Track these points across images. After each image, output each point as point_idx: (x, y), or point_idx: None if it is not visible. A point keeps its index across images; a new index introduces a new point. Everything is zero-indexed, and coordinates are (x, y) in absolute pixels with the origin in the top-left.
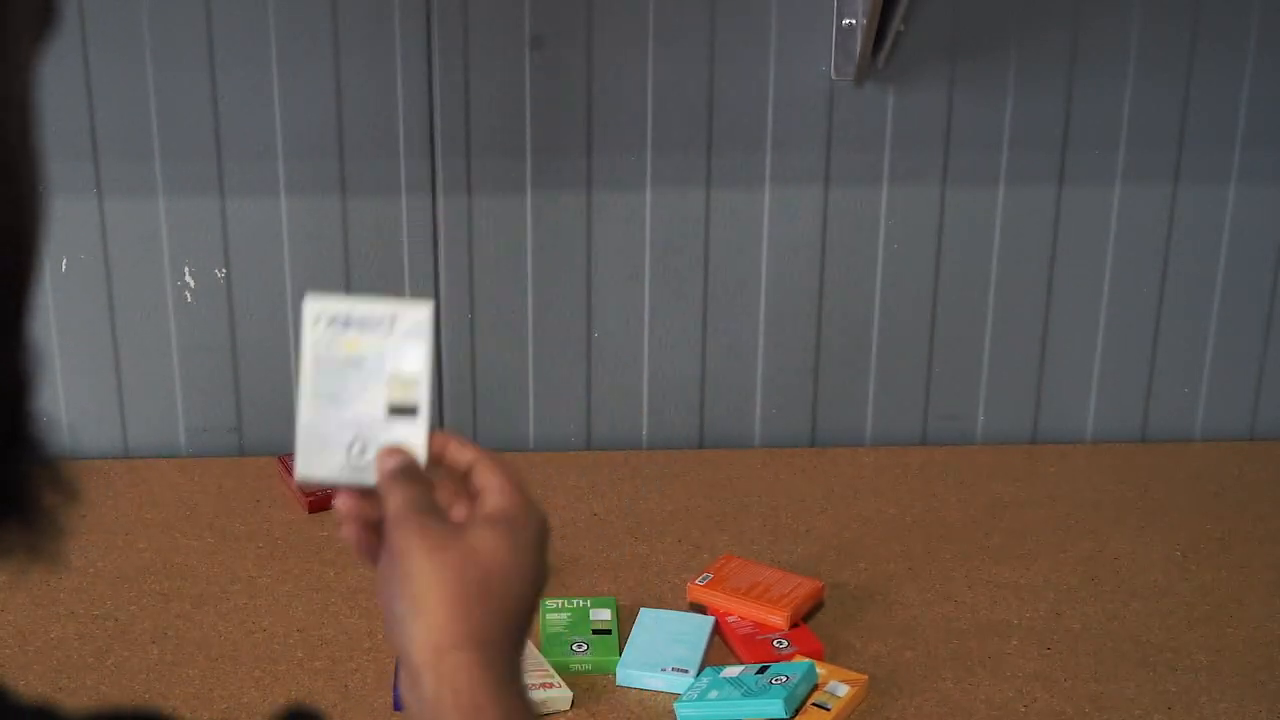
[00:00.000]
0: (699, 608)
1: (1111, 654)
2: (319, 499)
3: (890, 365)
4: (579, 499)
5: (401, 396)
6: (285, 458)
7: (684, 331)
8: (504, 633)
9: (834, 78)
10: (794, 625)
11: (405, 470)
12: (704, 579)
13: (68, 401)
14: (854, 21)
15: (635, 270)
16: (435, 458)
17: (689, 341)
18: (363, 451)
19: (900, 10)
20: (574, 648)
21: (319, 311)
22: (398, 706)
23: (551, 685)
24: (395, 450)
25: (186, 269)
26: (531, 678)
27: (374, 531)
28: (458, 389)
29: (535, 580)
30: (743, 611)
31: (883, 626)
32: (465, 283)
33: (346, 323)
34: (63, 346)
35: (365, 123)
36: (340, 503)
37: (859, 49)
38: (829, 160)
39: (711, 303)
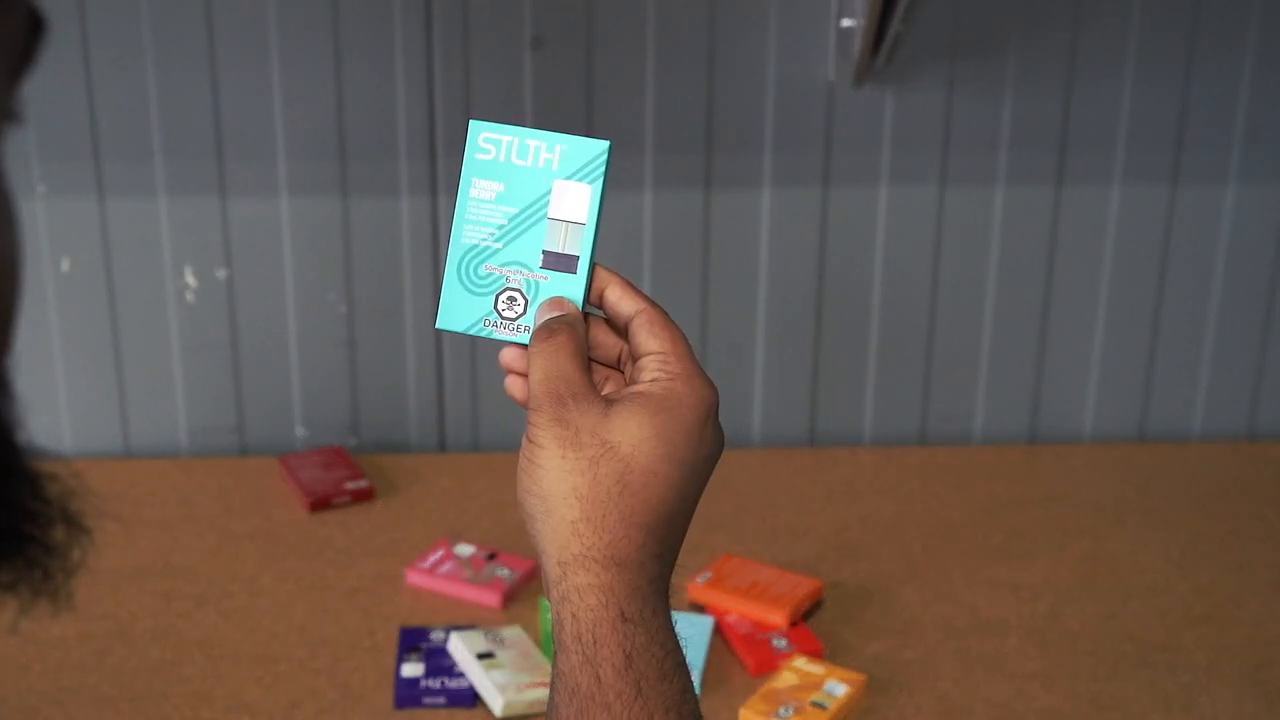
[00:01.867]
0: (699, 607)
1: (1111, 653)
2: (319, 498)
3: (889, 365)
4: None
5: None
6: (286, 458)
7: (684, 331)
8: (641, 546)
9: (833, 79)
10: (794, 624)
11: (553, 334)
12: (704, 578)
13: (68, 401)
14: (853, 22)
15: (635, 270)
16: (593, 302)
17: (689, 341)
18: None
19: (899, 11)
20: None
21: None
22: (398, 705)
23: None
24: (555, 305)
25: (187, 269)
26: (531, 677)
27: None
28: (458, 389)
29: (689, 477)
30: (742, 611)
31: (882, 626)
32: None
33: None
34: (63, 346)
35: (365, 123)
36: (502, 356)
37: (858, 50)
38: (828, 161)
39: (711, 303)
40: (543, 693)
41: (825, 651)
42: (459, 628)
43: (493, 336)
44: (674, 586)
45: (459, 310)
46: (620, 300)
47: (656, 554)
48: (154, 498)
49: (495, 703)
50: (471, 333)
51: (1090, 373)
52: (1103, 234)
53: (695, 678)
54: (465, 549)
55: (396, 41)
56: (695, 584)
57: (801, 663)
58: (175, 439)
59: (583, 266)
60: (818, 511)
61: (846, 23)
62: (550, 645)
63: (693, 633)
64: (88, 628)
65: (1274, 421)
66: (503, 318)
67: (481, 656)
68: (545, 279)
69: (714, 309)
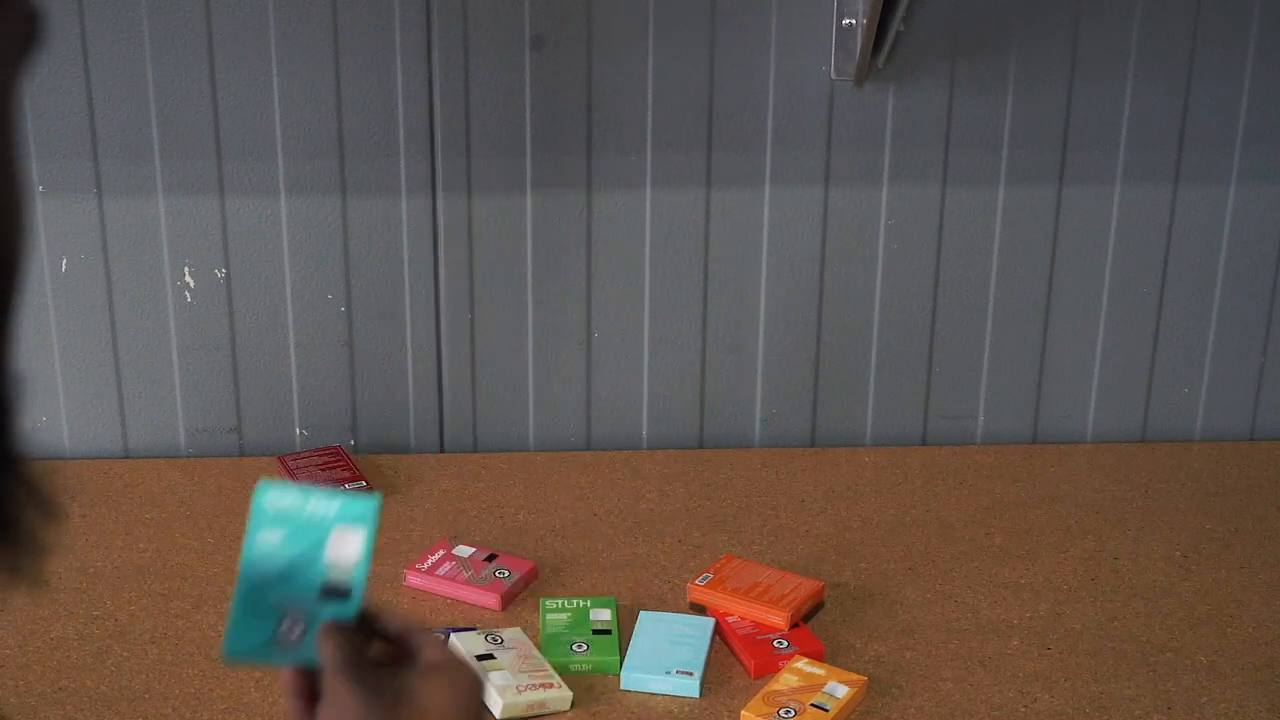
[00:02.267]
0: (699, 608)
1: (1111, 654)
2: None
3: (890, 365)
4: (579, 499)
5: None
6: (285, 458)
7: (684, 331)
8: None
9: (834, 78)
10: (794, 625)
11: (339, 628)
12: (704, 579)
13: (68, 401)
14: (854, 21)
15: (635, 270)
16: (365, 628)
17: (689, 341)
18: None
19: (900, 10)
20: (574, 648)
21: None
22: None
23: (551, 685)
24: (329, 628)
25: (186, 269)
26: (530, 678)
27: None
28: (458, 389)
29: None
30: (743, 612)
31: (883, 627)
32: (465, 283)
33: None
34: (63, 346)
35: (365, 123)
36: (284, 680)
37: (859, 49)
38: (829, 160)
39: (711, 303)
40: (543, 694)
41: (826, 653)
42: (458, 629)
43: (274, 657)
44: (675, 587)
45: (245, 636)
46: (389, 622)
47: None
48: (153, 498)
49: (495, 705)
50: (256, 656)
51: (1091, 373)
52: (1104, 234)
53: (696, 679)
54: (465, 550)
55: (396, 41)
56: (696, 585)
57: (802, 664)
58: (174, 439)
59: (355, 596)
60: (819, 512)
61: (847, 22)
62: (550, 645)
63: (693, 634)
64: (87, 628)
65: (1275, 421)
66: (286, 640)
67: (480, 658)
68: (322, 606)
69: (714, 309)
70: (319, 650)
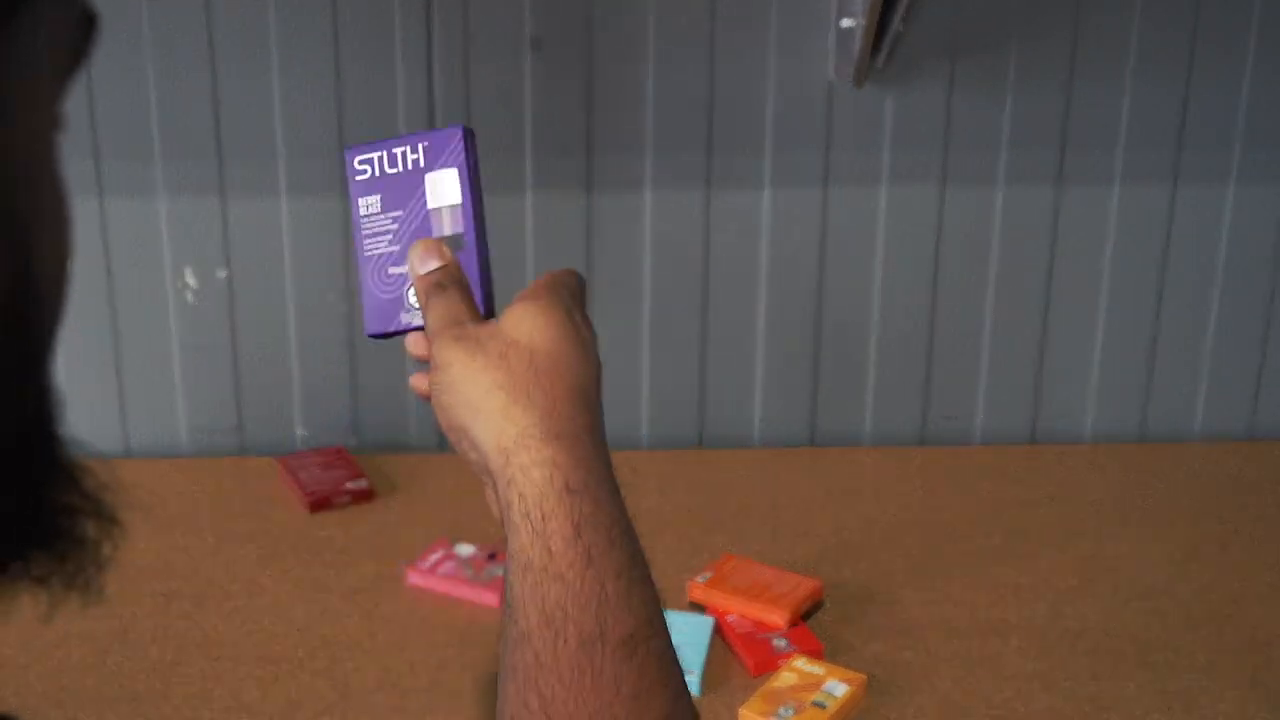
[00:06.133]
0: (699, 607)
1: (1111, 654)
2: (319, 499)
3: (889, 365)
4: None
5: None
6: (285, 458)
7: (684, 331)
8: (572, 417)
9: (833, 79)
10: (794, 624)
11: (438, 286)
12: (704, 578)
13: (69, 401)
14: (853, 22)
15: (635, 270)
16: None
17: (689, 341)
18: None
19: (900, 11)
20: None
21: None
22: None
23: None
24: (429, 251)
25: (187, 269)
26: None
27: None
28: None
29: (585, 353)
30: (743, 611)
31: (882, 626)
32: None
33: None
34: (64, 346)
35: (365, 123)
36: (408, 345)
37: (858, 50)
38: (828, 161)
39: (711, 303)
40: None
41: (825, 651)
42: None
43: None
44: (674, 586)
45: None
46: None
47: (588, 426)
48: (154, 498)
49: None
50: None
51: (1090, 373)
52: (1103, 234)
53: (696, 678)
54: (465, 549)
55: (396, 42)
56: (695, 584)
57: (801, 663)
58: (175, 439)
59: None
60: (818, 512)
61: (846, 23)
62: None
63: (693, 633)
64: (88, 628)
65: (1274, 421)
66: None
67: None
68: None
69: (714, 309)
70: (425, 312)
